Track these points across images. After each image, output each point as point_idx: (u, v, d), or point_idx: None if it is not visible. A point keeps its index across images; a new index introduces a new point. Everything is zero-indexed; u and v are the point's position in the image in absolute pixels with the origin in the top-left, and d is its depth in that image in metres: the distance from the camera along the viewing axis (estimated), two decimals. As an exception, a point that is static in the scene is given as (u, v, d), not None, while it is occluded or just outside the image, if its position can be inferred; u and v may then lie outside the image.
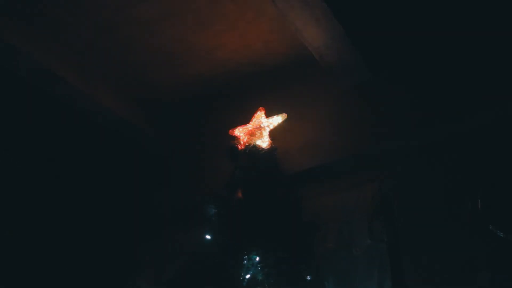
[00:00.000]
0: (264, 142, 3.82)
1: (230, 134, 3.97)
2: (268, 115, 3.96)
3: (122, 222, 4.64)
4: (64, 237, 4.49)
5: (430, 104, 3.72)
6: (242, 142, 3.86)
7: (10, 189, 4.44)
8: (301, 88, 4.27)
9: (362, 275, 3.62)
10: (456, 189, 3.49)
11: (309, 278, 3.26)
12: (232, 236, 3.32)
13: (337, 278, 3.63)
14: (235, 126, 3.98)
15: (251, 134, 3.89)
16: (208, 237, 3.45)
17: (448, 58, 3.75)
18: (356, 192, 3.81)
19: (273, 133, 3.87)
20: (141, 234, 4.56)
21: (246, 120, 3.97)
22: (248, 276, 3.16)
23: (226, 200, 3.56)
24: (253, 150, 3.72)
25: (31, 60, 3.76)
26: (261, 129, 3.89)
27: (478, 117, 3.55)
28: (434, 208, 3.53)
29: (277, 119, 3.93)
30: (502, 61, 3.56)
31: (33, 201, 4.51)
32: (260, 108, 3.98)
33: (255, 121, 3.94)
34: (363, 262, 3.66)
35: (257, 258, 3.19)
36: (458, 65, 3.71)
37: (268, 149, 3.76)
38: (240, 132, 3.94)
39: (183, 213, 4.36)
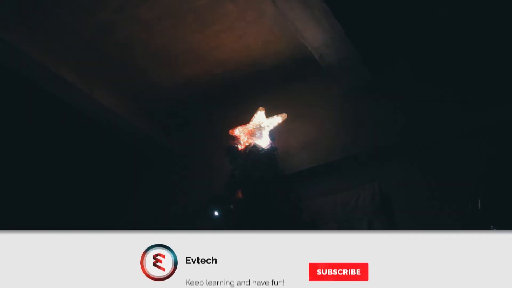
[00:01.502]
0: (264, 142, 3.83)
1: (230, 134, 3.98)
2: (268, 115, 3.96)
3: (121, 222, 4.64)
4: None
5: (430, 104, 3.73)
6: (242, 142, 3.87)
7: (10, 189, 4.45)
8: (301, 88, 4.27)
9: (362, 275, 3.62)
10: (456, 189, 3.49)
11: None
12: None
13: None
14: (235, 126, 3.99)
15: (251, 134, 3.90)
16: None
17: (448, 57, 3.76)
18: (356, 192, 3.81)
19: (273, 133, 3.88)
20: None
21: (246, 120, 3.98)
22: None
23: (226, 200, 3.57)
24: (253, 150, 3.72)
25: (31, 60, 3.75)
26: (261, 129, 3.91)
27: (478, 117, 3.55)
28: (434, 208, 3.53)
29: (277, 119, 3.94)
30: (502, 60, 3.56)
31: (33, 201, 4.52)
32: (260, 108, 4.00)
33: (255, 121, 3.95)
34: (363, 262, 3.66)
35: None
36: (458, 65, 3.71)
37: (268, 149, 3.77)
38: (240, 132, 3.95)
39: (183, 213, 4.36)
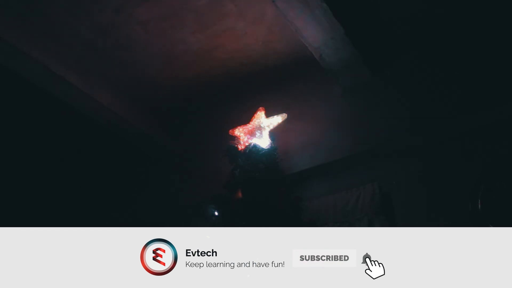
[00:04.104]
0: (264, 142, 3.83)
1: (230, 134, 3.98)
2: (268, 115, 3.96)
3: (121, 220, 4.62)
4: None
5: (430, 104, 3.73)
6: (242, 142, 3.87)
7: (11, 190, 4.44)
8: (301, 88, 4.27)
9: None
10: (456, 189, 3.49)
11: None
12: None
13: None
14: (235, 126, 3.98)
15: (251, 134, 3.90)
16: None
17: (449, 57, 3.76)
18: (356, 192, 3.81)
19: (273, 133, 3.88)
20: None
21: (246, 120, 3.98)
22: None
23: (226, 200, 3.56)
24: (253, 150, 3.72)
25: (31, 60, 3.75)
26: (261, 129, 3.90)
27: (478, 117, 3.55)
28: (434, 208, 3.53)
29: (277, 119, 3.94)
30: (503, 60, 3.56)
31: (35, 199, 4.52)
32: (260, 108, 3.99)
33: (255, 121, 3.95)
34: (363, 262, 3.65)
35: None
36: (458, 64, 3.71)
37: (268, 149, 3.77)
38: (240, 132, 3.95)
39: (183, 214, 4.36)
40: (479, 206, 3.36)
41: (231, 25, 3.85)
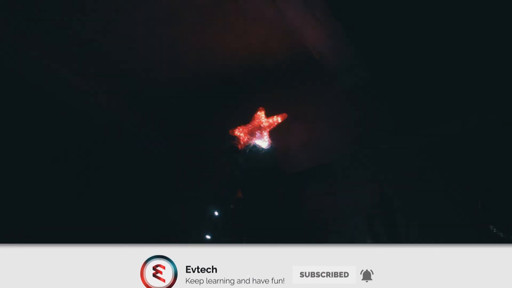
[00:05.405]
0: (264, 142, 3.83)
1: (230, 134, 3.99)
2: (268, 115, 3.96)
3: (120, 222, 4.64)
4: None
5: (430, 104, 3.72)
6: (242, 142, 3.88)
7: (11, 191, 4.44)
8: (301, 88, 4.27)
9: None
10: (457, 189, 3.49)
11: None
12: (232, 236, 3.33)
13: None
14: (235, 126, 3.99)
15: (251, 134, 3.90)
16: (208, 237, 3.46)
17: (449, 58, 3.75)
18: (356, 192, 3.82)
19: (273, 133, 3.88)
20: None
21: (246, 120, 3.98)
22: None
23: (226, 200, 3.58)
24: (253, 150, 3.73)
25: (31, 60, 3.75)
26: (261, 129, 3.91)
27: (478, 117, 3.55)
28: (434, 208, 3.54)
29: (277, 119, 3.94)
30: (502, 62, 3.55)
31: (34, 202, 4.51)
32: (260, 108, 4.00)
33: (255, 121, 3.95)
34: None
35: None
36: (458, 65, 3.70)
37: (268, 149, 3.77)
38: (240, 132, 3.96)
39: (183, 213, 4.37)
40: (479, 206, 3.36)
41: (231, 25, 3.84)
